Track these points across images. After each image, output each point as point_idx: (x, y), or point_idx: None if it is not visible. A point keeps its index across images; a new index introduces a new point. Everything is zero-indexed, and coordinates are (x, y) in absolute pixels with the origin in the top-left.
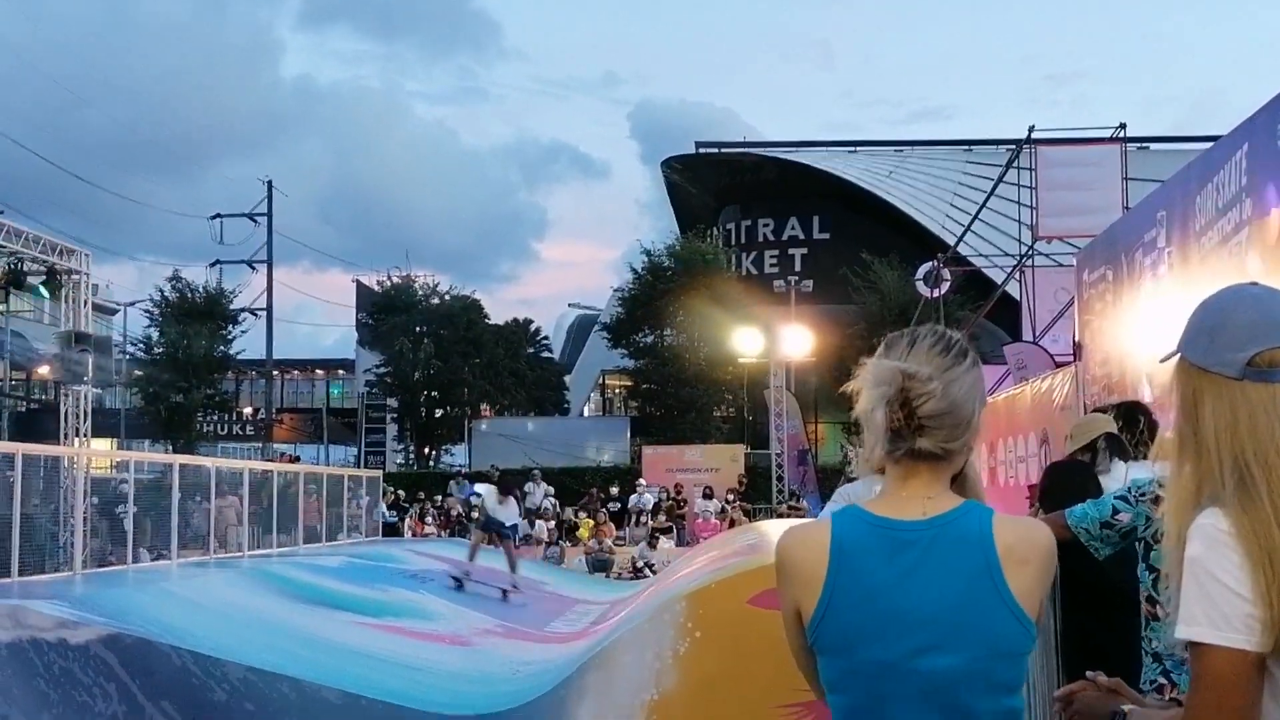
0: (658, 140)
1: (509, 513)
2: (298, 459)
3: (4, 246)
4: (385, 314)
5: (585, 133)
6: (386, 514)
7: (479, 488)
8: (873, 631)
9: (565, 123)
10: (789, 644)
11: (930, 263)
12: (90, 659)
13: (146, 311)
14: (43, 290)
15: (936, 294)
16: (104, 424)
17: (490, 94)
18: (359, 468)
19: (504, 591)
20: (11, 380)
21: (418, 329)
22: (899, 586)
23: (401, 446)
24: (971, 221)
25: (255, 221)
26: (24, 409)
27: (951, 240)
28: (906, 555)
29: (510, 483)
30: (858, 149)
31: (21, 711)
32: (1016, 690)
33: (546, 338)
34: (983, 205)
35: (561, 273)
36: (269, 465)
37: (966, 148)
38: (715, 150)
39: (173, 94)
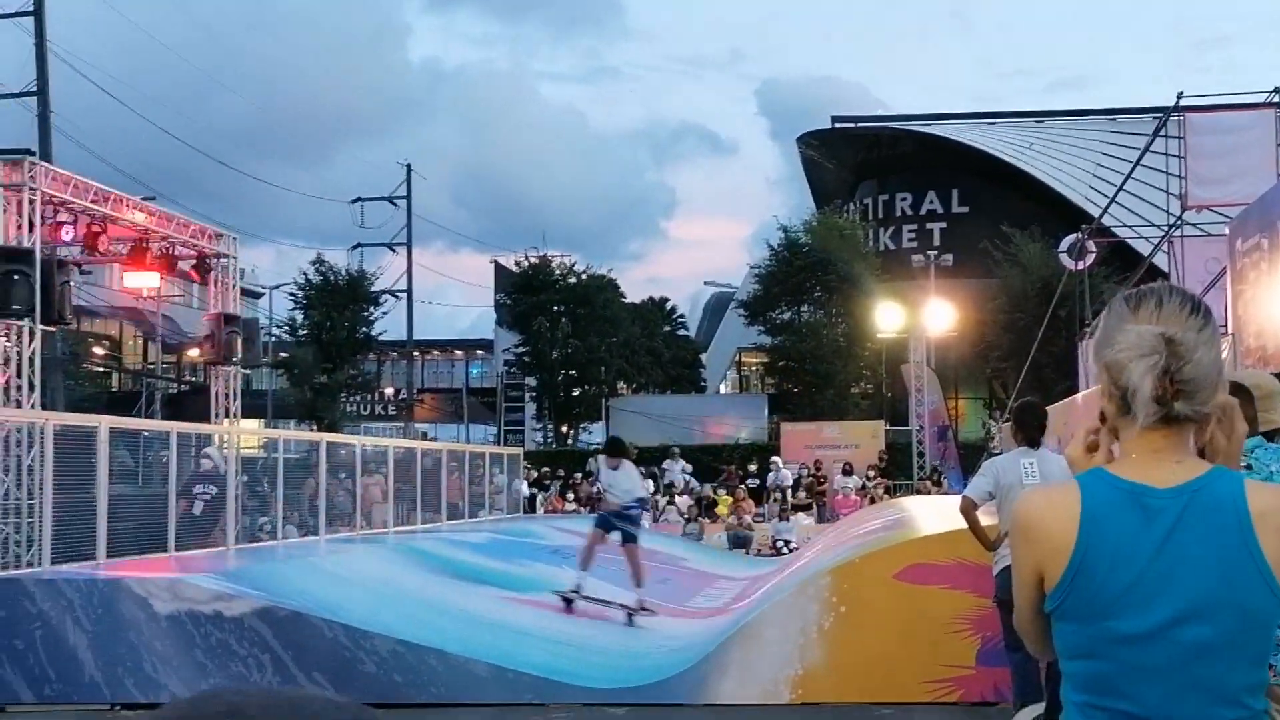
0: (786, 116)
1: (628, 484)
2: (433, 440)
3: (156, 232)
4: (523, 294)
5: (713, 110)
6: (526, 491)
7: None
8: (1126, 600)
9: (692, 101)
10: (1019, 605)
11: (1074, 235)
12: (245, 631)
13: (291, 294)
14: (193, 275)
15: (1081, 266)
16: (252, 405)
17: (616, 74)
18: (498, 446)
19: (629, 614)
20: (163, 362)
21: (555, 308)
22: (1153, 554)
23: (540, 425)
24: (1117, 192)
25: (395, 204)
26: (176, 390)
27: (1095, 211)
28: (1159, 522)
29: (623, 448)
30: (996, 120)
31: (181, 680)
32: (1264, 662)
33: (682, 316)
34: (1129, 175)
35: (691, 251)
36: (412, 443)
37: (1110, 117)
38: (851, 125)
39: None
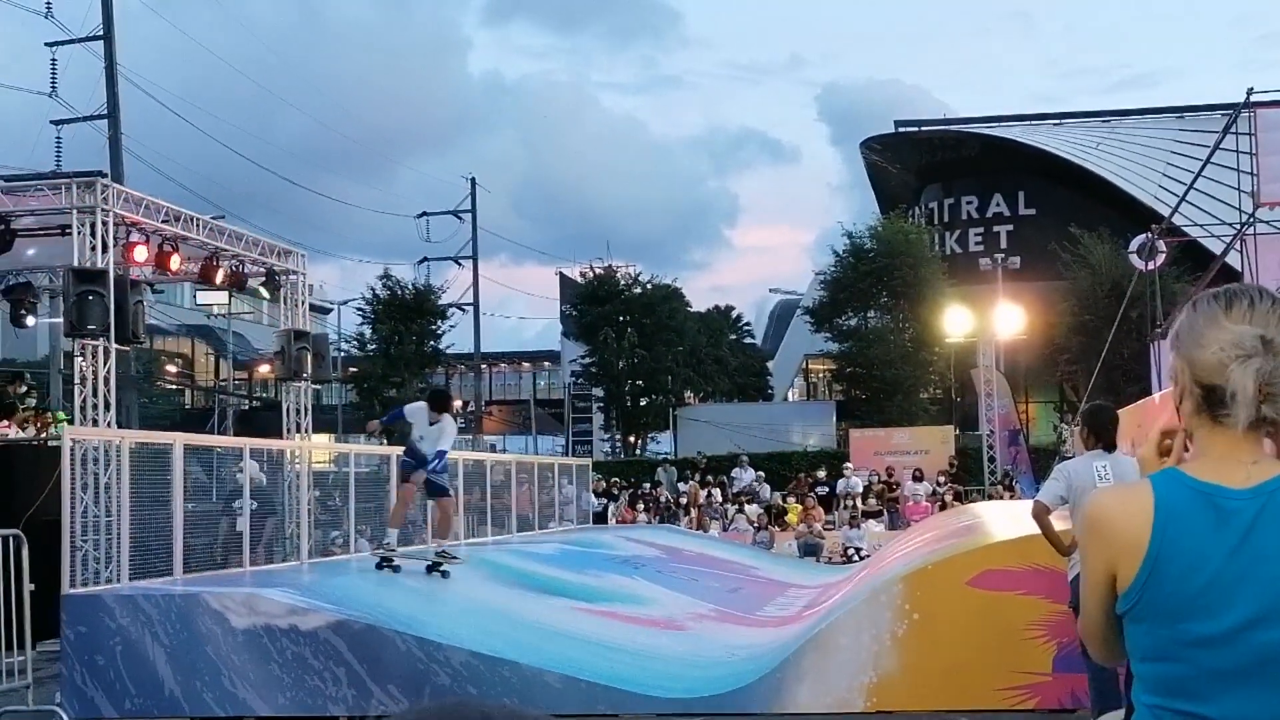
0: (847, 121)
1: (437, 436)
2: (502, 452)
3: (225, 250)
4: (589, 305)
5: (773, 116)
6: (595, 502)
7: (408, 409)
8: (1201, 602)
9: (752, 107)
10: (1086, 608)
11: (1144, 235)
12: (320, 644)
13: (359, 309)
14: (263, 292)
15: (1151, 267)
16: (322, 419)
17: (675, 83)
18: (567, 457)
19: (432, 566)
20: (234, 379)
21: (621, 319)
22: (1229, 556)
23: (608, 435)
24: (1187, 191)
25: (460, 218)
26: (247, 406)
27: (1165, 211)
28: (1234, 524)
29: (446, 402)
30: (1062, 121)
31: (258, 694)
32: None
33: (749, 324)
34: (1199, 173)
35: (754, 258)
36: (481, 455)
37: (1179, 114)
38: (915, 129)
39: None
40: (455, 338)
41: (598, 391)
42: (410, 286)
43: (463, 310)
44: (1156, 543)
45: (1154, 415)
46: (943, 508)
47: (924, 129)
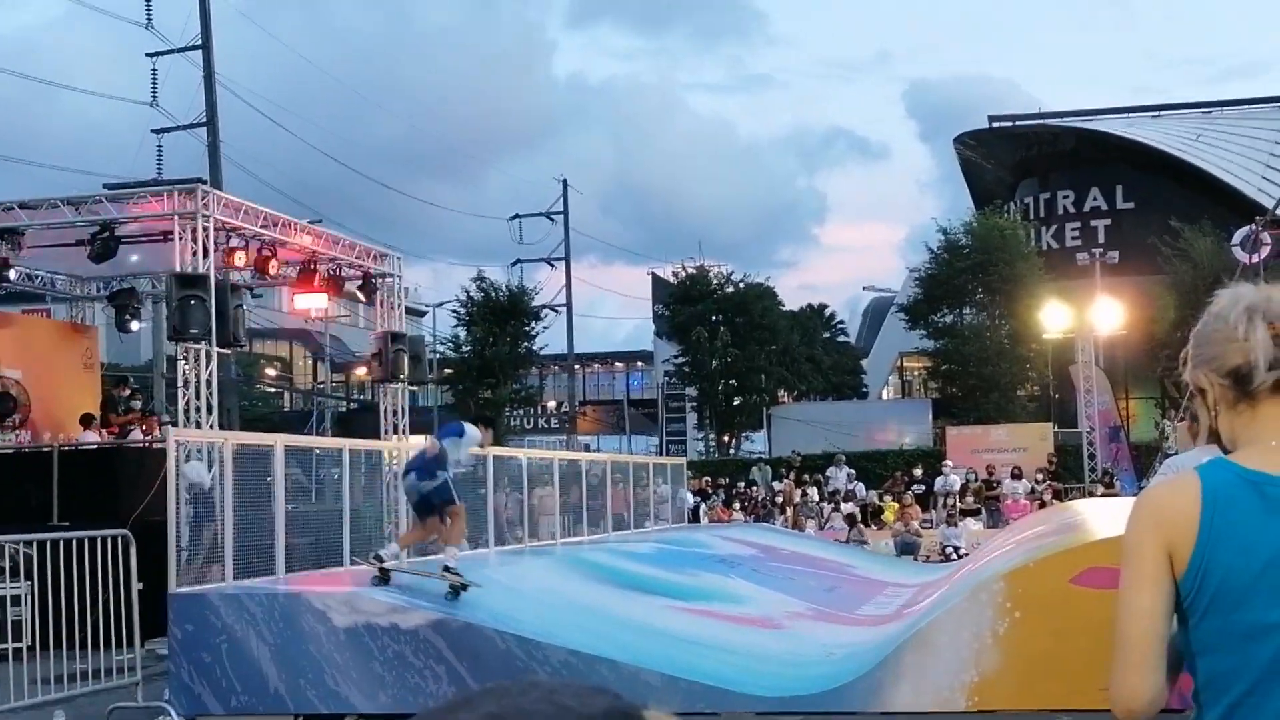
0: (936, 118)
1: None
2: (596, 451)
3: (322, 254)
4: (681, 304)
5: (861, 114)
6: (691, 501)
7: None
8: (1254, 590)
9: (840, 105)
10: (1138, 608)
11: (1247, 227)
12: (420, 643)
13: (454, 311)
14: (359, 295)
15: (1255, 259)
16: (418, 421)
17: (762, 82)
18: (661, 456)
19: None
20: (332, 381)
21: (713, 318)
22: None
23: (701, 435)
24: None
25: (552, 220)
26: (345, 408)
27: (1268, 203)
28: None
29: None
30: (1161, 113)
31: (360, 691)
32: None
33: (842, 322)
34: None
35: (843, 256)
36: (577, 455)
37: None
38: (1009, 124)
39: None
40: (548, 339)
41: (691, 391)
42: (504, 288)
43: (555, 311)
44: (1206, 528)
45: None
46: (1042, 506)
47: (1018, 123)
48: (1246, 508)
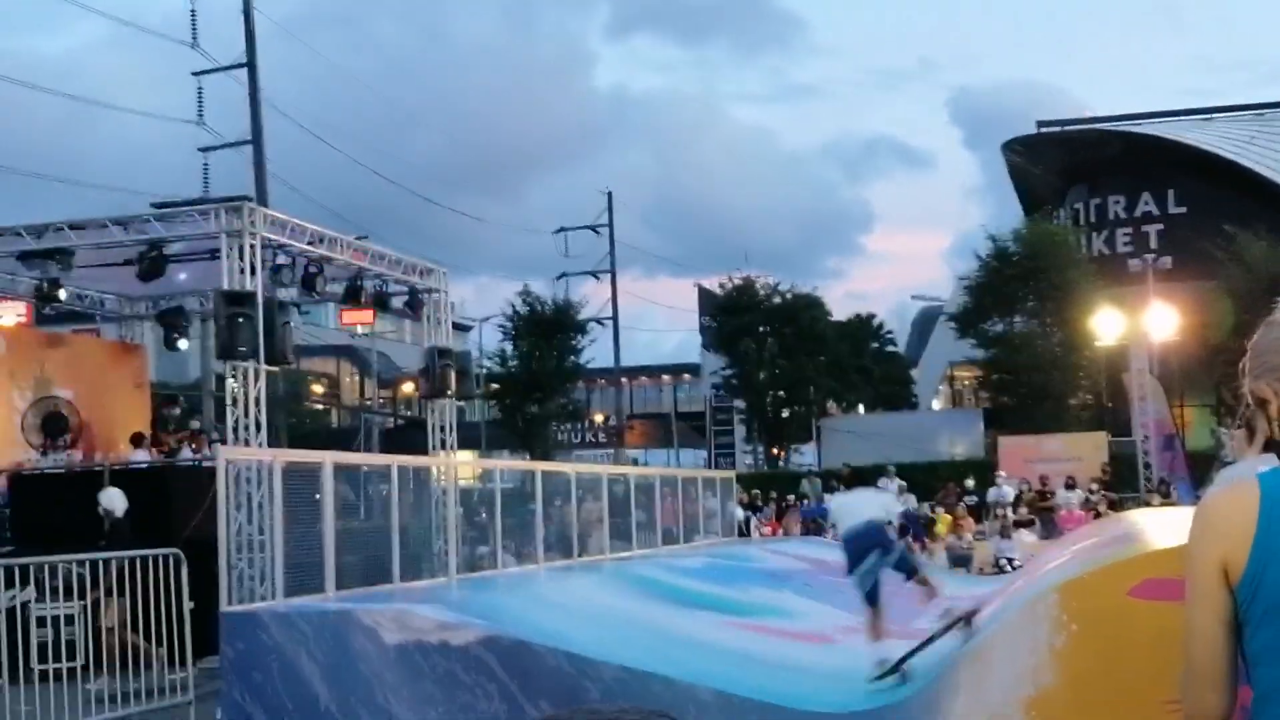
0: (981, 124)
1: (871, 509)
2: (644, 465)
3: (369, 270)
4: (728, 316)
5: (904, 122)
6: (740, 514)
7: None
8: None
9: (883, 114)
10: (1198, 623)
11: None
12: (471, 660)
13: (500, 326)
14: (406, 310)
15: None
16: (465, 436)
17: (804, 91)
18: (710, 469)
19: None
20: (379, 398)
21: (761, 329)
22: None
23: (750, 447)
24: None
25: (597, 233)
26: (393, 424)
27: None
28: None
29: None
30: (1213, 116)
31: (410, 710)
32: None
33: (890, 332)
34: None
35: (890, 266)
36: (625, 470)
37: None
38: (1058, 129)
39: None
40: (594, 352)
41: (739, 403)
42: (550, 302)
43: (602, 324)
44: (1262, 535)
45: None
46: (1097, 516)
47: (1067, 128)
48: None
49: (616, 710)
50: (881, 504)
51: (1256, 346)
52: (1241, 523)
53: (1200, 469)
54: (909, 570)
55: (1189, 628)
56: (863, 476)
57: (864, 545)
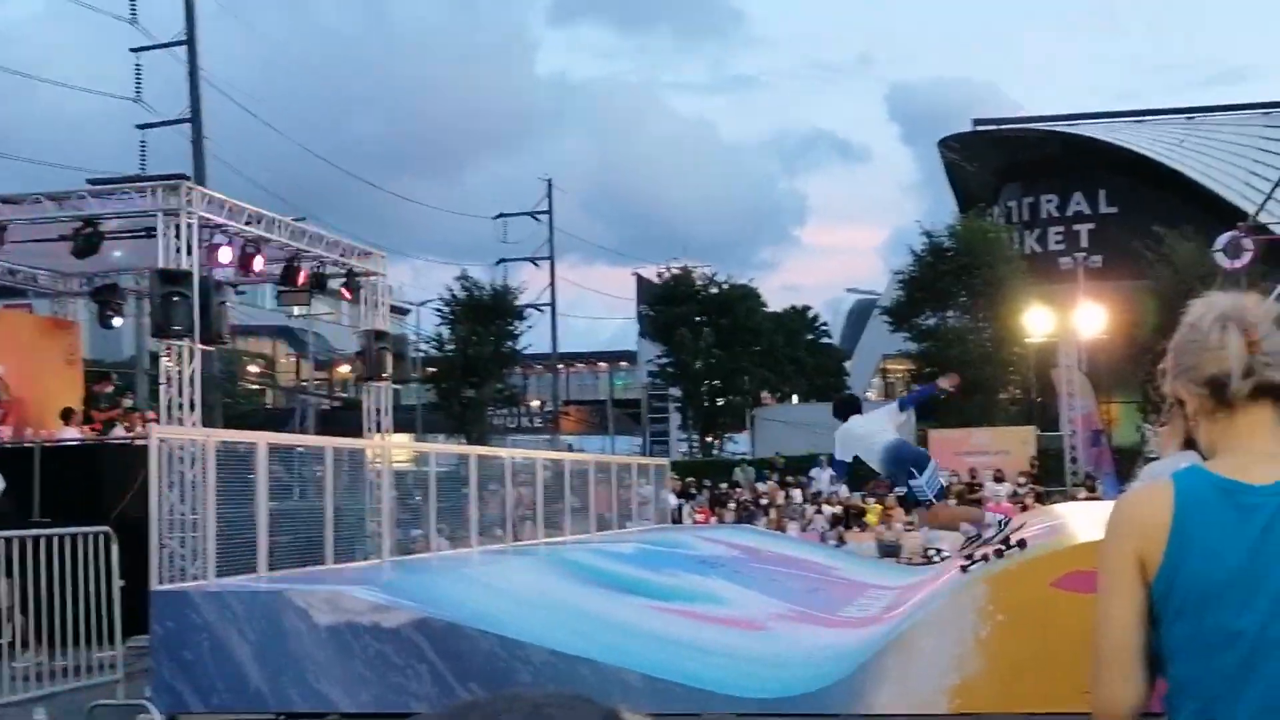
0: (918, 120)
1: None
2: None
3: (307, 251)
4: (665, 305)
5: (842, 117)
6: (673, 501)
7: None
8: (1225, 598)
9: (821, 108)
10: (1112, 613)
11: (1229, 233)
12: (403, 642)
13: (437, 310)
14: (343, 293)
15: (1237, 265)
16: (401, 419)
17: (743, 83)
18: (644, 457)
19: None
20: (315, 379)
21: (697, 319)
22: (1249, 553)
23: (685, 435)
24: (1275, 188)
25: (537, 219)
26: (328, 406)
27: (1250, 209)
28: (1253, 520)
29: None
30: (1145, 118)
31: (341, 690)
32: None
33: (825, 324)
34: None
35: (825, 258)
36: (560, 455)
37: (1266, 111)
38: (993, 127)
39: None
40: (532, 338)
41: (675, 391)
42: (488, 287)
43: (539, 310)
44: (1176, 532)
45: None
46: (1024, 509)
47: (1003, 127)
48: (1218, 515)
49: (541, 696)
50: (887, 418)
51: (1175, 347)
52: (1157, 520)
53: (1125, 464)
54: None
55: (1101, 620)
56: (853, 404)
57: (906, 458)
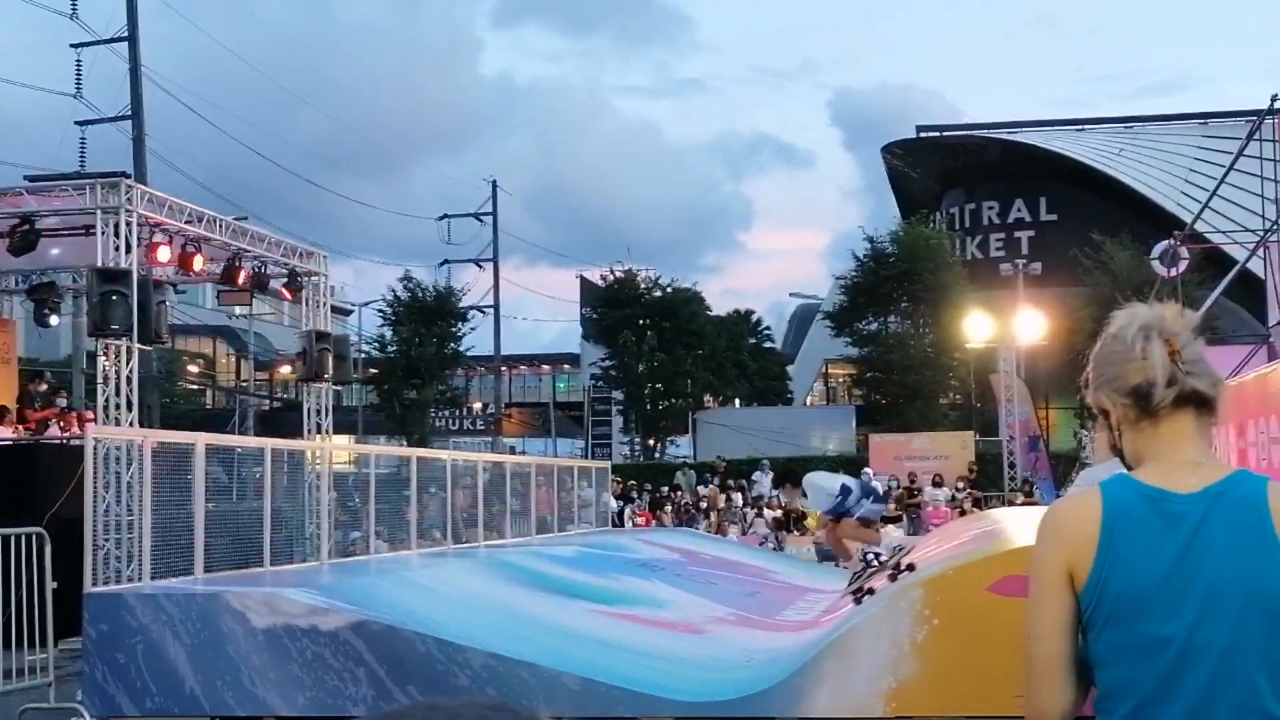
0: (861, 126)
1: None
2: (521, 454)
3: (248, 251)
4: (609, 308)
5: (786, 122)
6: (614, 505)
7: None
8: (1154, 604)
9: (765, 113)
10: (1041, 623)
11: (1166, 241)
12: (340, 645)
13: (380, 311)
14: (284, 293)
15: (1174, 274)
16: (342, 421)
17: (688, 87)
18: (586, 459)
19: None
20: (256, 380)
21: (641, 322)
22: (1176, 560)
23: (627, 439)
24: (1210, 197)
25: (480, 220)
26: (268, 407)
27: (1187, 217)
28: (1180, 528)
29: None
30: (1085, 127)
31: (277, 693)
32: None
33: (768, 328)
34: (1222, 179)
35: (768, 262)
36: (502, 458)
37: (1202, 121)
38: (936, 134)
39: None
40: (474, 340)
41: (617, 394)
42: (430, 289)
43: (482, 312)
44: (1105, 542)
45: None
46: (962, 513)
47: (945, 134)
48: (1144, 523)
49: (459, 704)
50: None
51: (1097, 358)
52: (1085, 530)
53: (1063, 470)
54: None
55: (1032, 628)
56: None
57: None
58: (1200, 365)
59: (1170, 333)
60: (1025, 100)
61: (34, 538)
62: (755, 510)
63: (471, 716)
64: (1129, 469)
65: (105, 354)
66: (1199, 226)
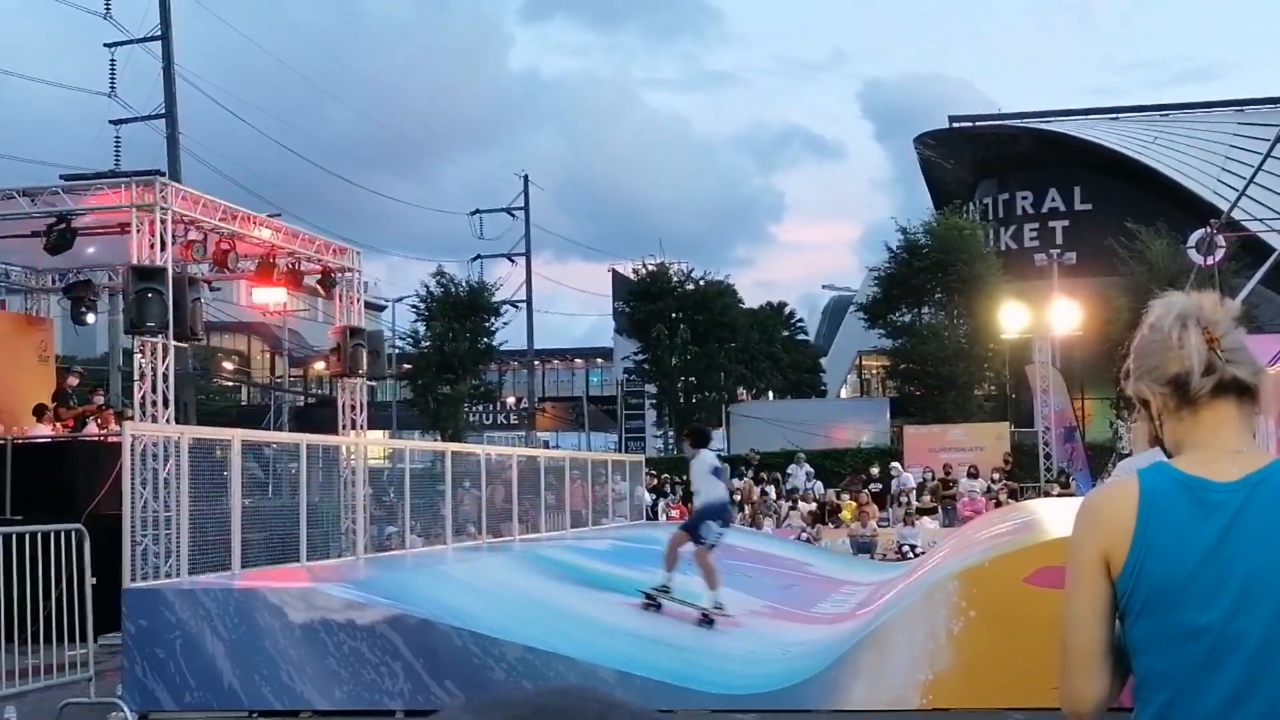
0: (891, 117)
1: (698, 482)
2: (555, 448)
3: (282, 248)
4: (641, 301)
5: (816, 113)
6: (648, 498)
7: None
8: (1190, 593)
9: (795, 104)
10: (1077, 610)
11: (1202, 229)
12: (377, 639)
13: (413, 307)
14: (318, 289)
15: (1210, 262)
16: (376, 416)
17: (717, 79)
18: (619, 453)
19: (703, 615)
20: (290, 376)
21: (673, 315)
22: (1213, 548)
23: (660, 432)
24: (1247, 185)
25: (512, 215)
26: (303, 403)
27: (1224, 205)
28: (1217, 517)
29: (703, 437)
30: (1119, 115)
31: (315, 687)
32: None
33: (801, 320)
34: (1259, 167)
35: (799, 255)
36: (535, 452)
37: (1238, 108)
38: (969, 124)
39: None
40: (508, 334)
41: (650, 388)
42: (464, 283)
43: (516, 307)
44: (1141, 530)
45: None
46: (998, 505)
47: (978, 124)
48: (1181, 512)
49: (540, 695)
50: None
51: (1137, 349)
52: (1122, 518)
53: (1099, 460)
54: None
55: (1068, 616)
56: (706, 436)
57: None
58: (1241, 353)
59: (1209, 321)
60: (1057, 89)
61: (73, 534)
62: (790, 503)
63: (594, 715)
64: (1169, 455)
65: (141, 351)
66: (1235, 214)
